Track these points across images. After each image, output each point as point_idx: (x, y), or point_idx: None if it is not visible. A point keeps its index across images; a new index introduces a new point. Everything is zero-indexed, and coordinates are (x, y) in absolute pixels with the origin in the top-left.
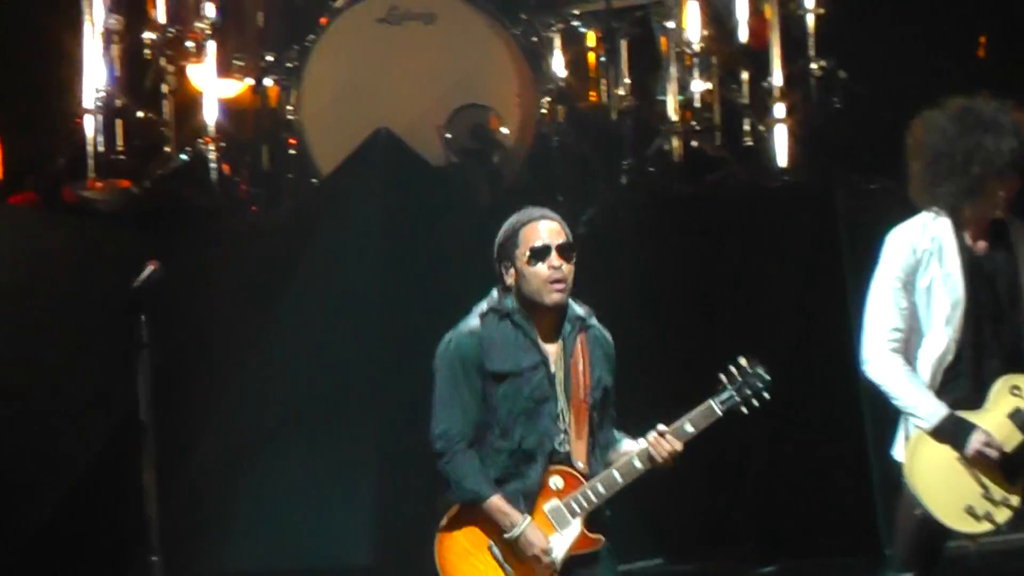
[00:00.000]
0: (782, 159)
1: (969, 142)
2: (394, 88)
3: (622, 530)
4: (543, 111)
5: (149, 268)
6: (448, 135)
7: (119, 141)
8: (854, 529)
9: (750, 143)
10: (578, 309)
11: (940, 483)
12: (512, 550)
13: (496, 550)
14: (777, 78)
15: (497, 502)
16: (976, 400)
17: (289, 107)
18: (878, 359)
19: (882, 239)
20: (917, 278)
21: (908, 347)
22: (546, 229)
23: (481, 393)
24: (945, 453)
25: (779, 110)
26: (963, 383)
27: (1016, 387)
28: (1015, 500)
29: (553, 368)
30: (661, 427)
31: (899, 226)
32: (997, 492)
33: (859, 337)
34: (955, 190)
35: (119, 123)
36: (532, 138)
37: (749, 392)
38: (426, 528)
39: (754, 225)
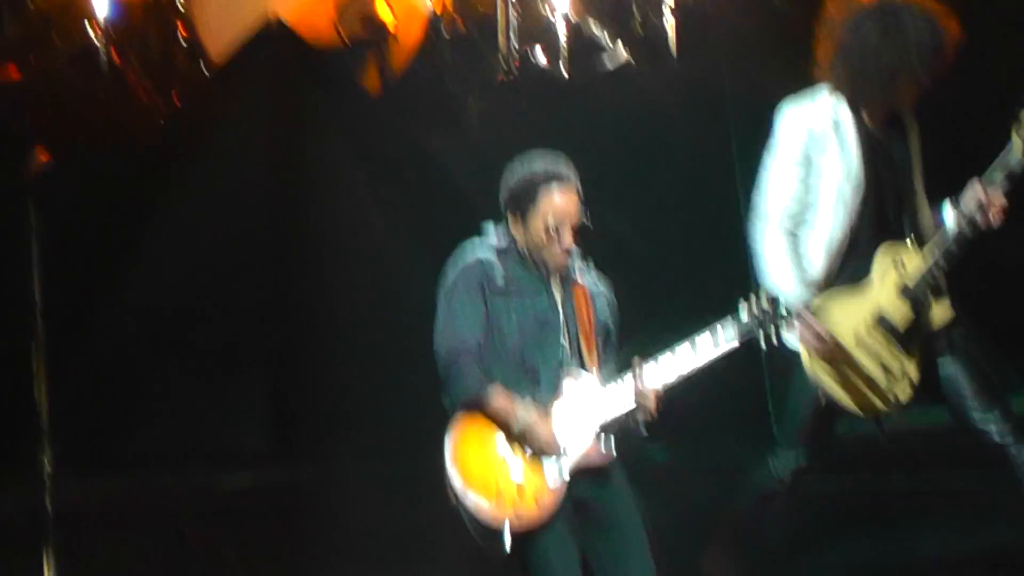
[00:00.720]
0: (672, 44)
1: (884, 38)
2: None
3: None
4: None
5: (36, 156)
6: (339, 23)
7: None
8: (743, 410)
9: (640, 29)
10: (578, 260)
11: (839, 366)
12: (521, 452)
13: (506, 451)
14: None
15: (501, 399)
16: (861, 269)
17: None
18: (767, 235)
19: (771, 122)
20: (814, 157)
21: (799, 225)
22: (566, 201)
23: (485, 310)
24: (841, 334)
25: None
26: (864, 264)
27: (900, 259)
28: (913, 375)
29: (558, 298)
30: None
31: (795, 105)
32: (896, 369)
33: (748, 217)
34: (863, 81)
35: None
36: (422, 26)
37: (771, 324)
38: (320, 413)
39: (646, 109)
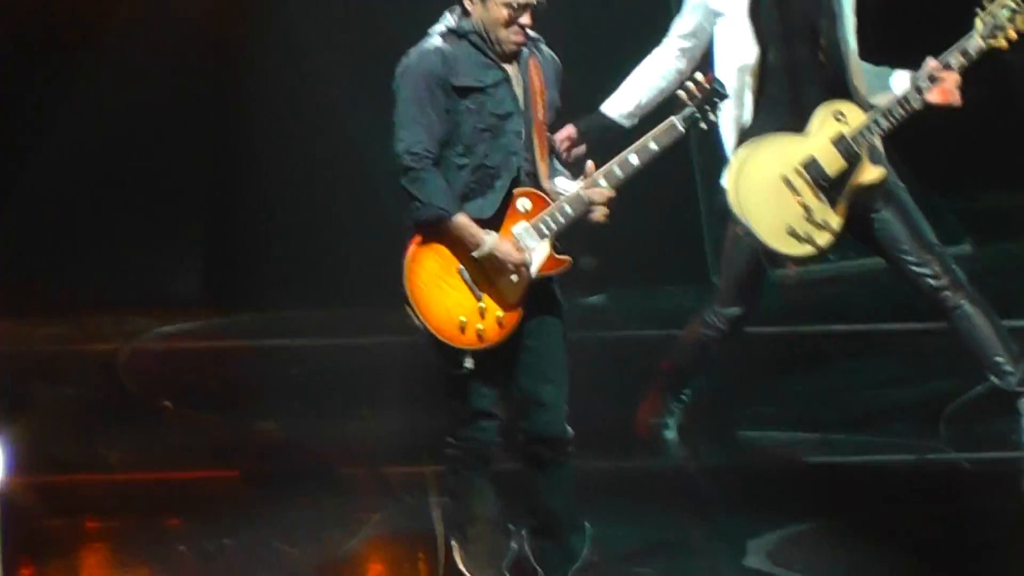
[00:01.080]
0: None
1: None
2: None
3: None
4: None
5: None
6: None
7: None
8: (681, 258)
9: None
10: (530, 32)
11: (762, 203)
12: (482, 272)
13: (466, 273)
14: None
15: (463, 219)
16: (797, 125)
17: None
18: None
19: None
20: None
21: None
22: None
23: (445, 109)
24: (769, 173)
25: None
26: (781, 109)
27: (840, 112)
28: (835, 223)
29: (515, 85)
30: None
31: None
32: (818, 214)
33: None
34: None
35: None
36: None
37: (707, 105)
38: (261, 257)
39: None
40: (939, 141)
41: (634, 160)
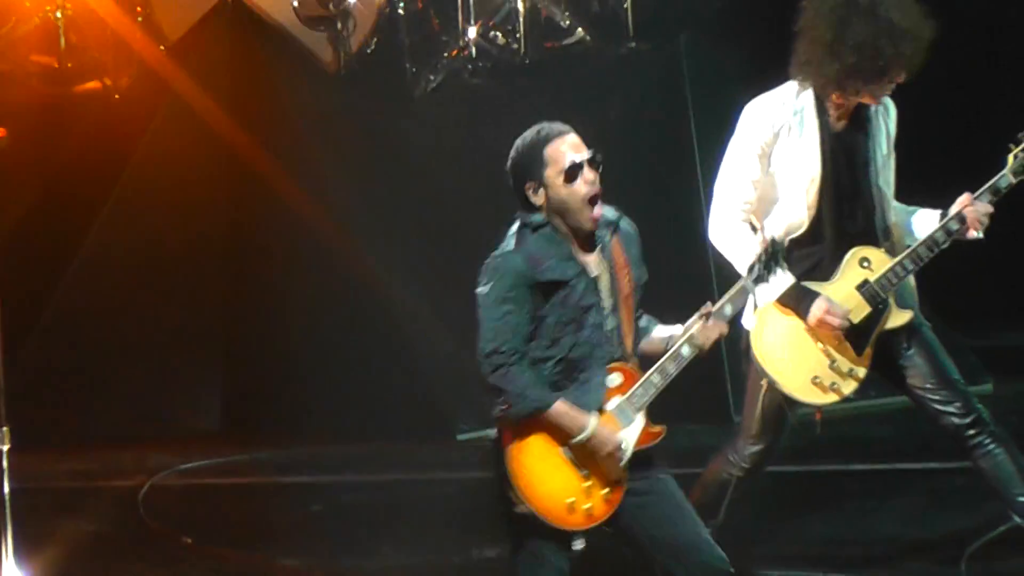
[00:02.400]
0: (630, 24)
1: (855, 13)
2: None
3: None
4: None
5: None
6: (296, 2)
7: None
8: (704, 397)
9: (598, 8)
10: (608, 214)
11: (787, 353)
12: (584, 453)
13: (569, 453)
14: None
15: (562, 407)
16: (828, 273)
17: None
18: (725, 226)
19: (729, 103)
20: (774, 150)
21: (758, 217)
22: (571, 145)
23: (530, 307)
24: (792, 324)
25: None
26: (816, 256)
27: (865, 259)
28: (861, 371)
29: (595, 273)
30: (707, 307)
31: (759, 97)
32: (844, 363)
33: (709, 203)
34: (829, 60)
35: None
36: (379, 5)
37: (771, 263)
38: (271, 392)
39: (603, 89)
40: (959, 279)
41: (728, 311)
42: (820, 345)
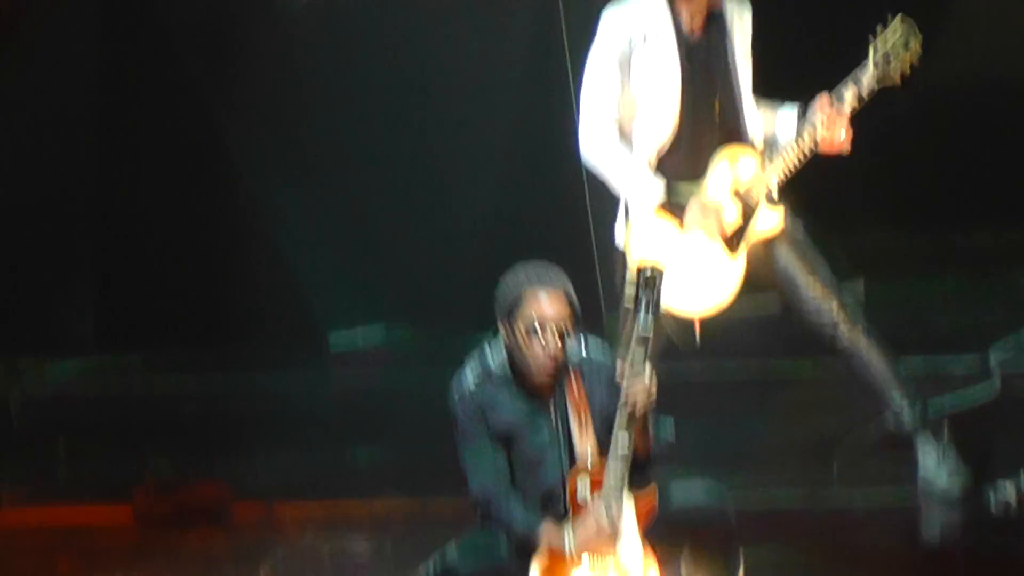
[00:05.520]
0: None
1: None
2: None
3: None
4: None
5: None
6: None
7: None
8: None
9: None
10: (571, 356)
11: (661, 260)
12: (591, 558)
13: (584, 570)
14: None
15: (547, 532)
16: (696, 175)
17: None
18: (592, 140)
19: (603, 4)
20: (631, 60)
21: (624, 125)
22: (552, 303)
23: (498, 447)
24: (664, 232)
25: None
26: (681, 160)
27: (735, 160)
28: (737, 273)
29: (553, 416)
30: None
31: (613, 7)
32: (718, 265)
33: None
34: None
35: None
36: None
37: (647, 290)
38: (143, 297)
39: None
40: (828, 178)
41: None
42: (694, 250)
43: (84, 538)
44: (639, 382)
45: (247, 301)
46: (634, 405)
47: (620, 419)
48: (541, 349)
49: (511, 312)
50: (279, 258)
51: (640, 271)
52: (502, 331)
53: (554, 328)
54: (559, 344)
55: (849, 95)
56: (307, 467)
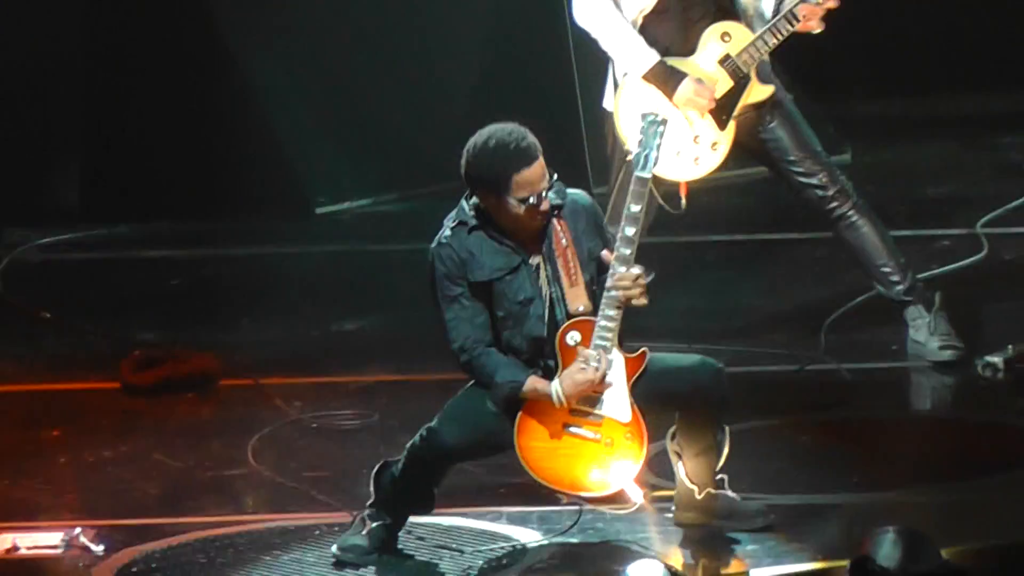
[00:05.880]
0: None
1: None
2: None
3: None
4: None
5: None
6: None
7: None
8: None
9: None
10: (553, 199)
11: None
12: (585, 413)
13: (573, 428)
14: None
15: (532, 383)
16: (686, 47)
17: None
18: (589, 6)
19: None
20: None
21: None
22: (536, 174)
23: (474, 297)
24: (655, 99)
25: None
26: (670, 29)
27: (726, 33)
28: (725, 146)
29: (535, 262)
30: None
31: None
32: (707, 138)
33: None
34: None
35: None
36: None
37: (651, 139)
38: (130, 167)
39: None
40: (816, 49)
41: (630, 231)
42: (684, 120)
43: (71, 410)
44: (628, 277)
45: (235, 175)
46: (625, 299)
47: (608, 293)
48: (535, 213)
49: (504, 190)
50: (267, 131)
51: (644, 115)
52: (483, 200)
53: (543, 190)
54: (548, 202)
55: None
56: (294, 341)
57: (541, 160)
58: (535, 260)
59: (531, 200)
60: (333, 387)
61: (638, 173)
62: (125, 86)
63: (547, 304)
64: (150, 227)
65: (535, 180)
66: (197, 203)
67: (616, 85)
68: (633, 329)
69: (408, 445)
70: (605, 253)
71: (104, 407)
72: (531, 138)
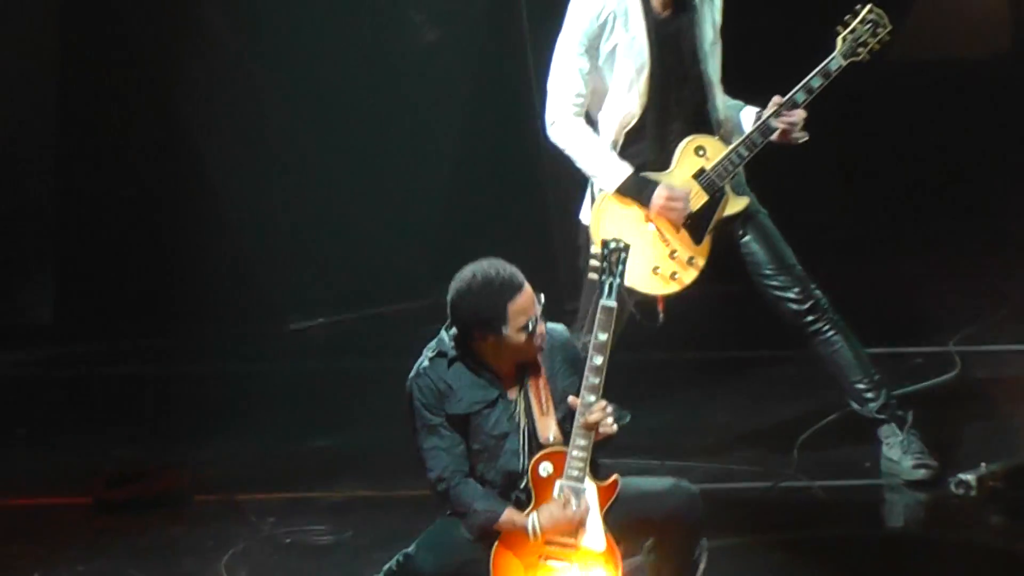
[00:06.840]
0: None
1: None
2: None
3: None
4: None
5: None
6: None
7: None
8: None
9: None
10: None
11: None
12: (557, 543)
13: (548, 561)
14: None
15: (510, 514)
16: (662, 162)
17: None
18: (561, 123)
19: None
20: (601, 42)
21: (591, 110)
22: (529, 300)
23: (451, 425)
24: (632, 214)
25: None
26: (647, 146)
27: (701, 148)
28: (701, 260)
29: (512, 397)
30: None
31: None
32: (684, 253)
33: (541, 101)
34: None
35: None
36: None
37: (611, 268)
38: (102, 284)
39: None
40: (791, 166)
41: (597, 360)
42: (660, 235)
43: (45, 525)
44: (597, 406)
45: (206, 291)
46: (593, 425)
47: (579, 424)
48: (536, 341)
49: (500, 324)
50: (239, 246)
51: (604, 243)
52: (479, 342)
53: (537, 314)
54: (544, 325)
55: (816, 83)
56: (267, 457)
57: (527, 285)
58: (512, 395)
59: (529, 326)
60: (306, 502)
61: (604, 302)
62: (96, 204)
63: (522, 439)
64: (122, 344)
65: (528, 305)
66: (169, 320)
67: (593, 199)
68: (603, 443)
69: (384, 569)
70: (571, 399)
71: (77, 523)
72: (511, 266)
